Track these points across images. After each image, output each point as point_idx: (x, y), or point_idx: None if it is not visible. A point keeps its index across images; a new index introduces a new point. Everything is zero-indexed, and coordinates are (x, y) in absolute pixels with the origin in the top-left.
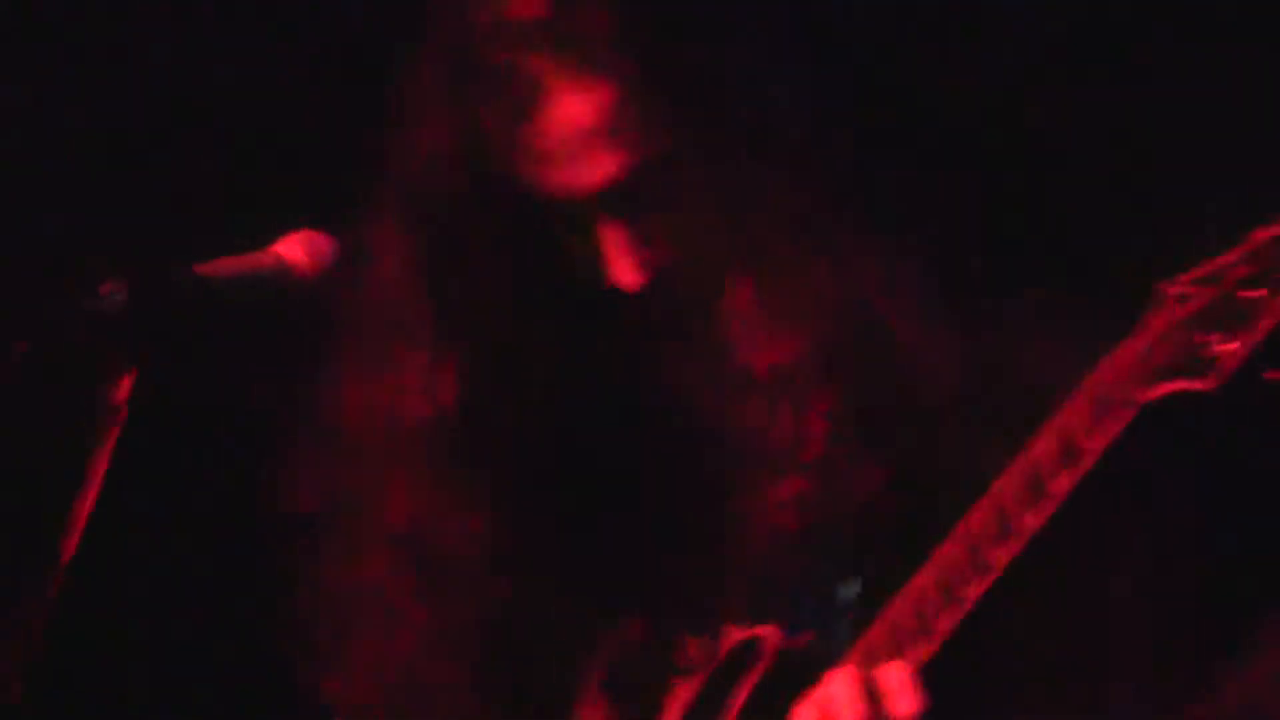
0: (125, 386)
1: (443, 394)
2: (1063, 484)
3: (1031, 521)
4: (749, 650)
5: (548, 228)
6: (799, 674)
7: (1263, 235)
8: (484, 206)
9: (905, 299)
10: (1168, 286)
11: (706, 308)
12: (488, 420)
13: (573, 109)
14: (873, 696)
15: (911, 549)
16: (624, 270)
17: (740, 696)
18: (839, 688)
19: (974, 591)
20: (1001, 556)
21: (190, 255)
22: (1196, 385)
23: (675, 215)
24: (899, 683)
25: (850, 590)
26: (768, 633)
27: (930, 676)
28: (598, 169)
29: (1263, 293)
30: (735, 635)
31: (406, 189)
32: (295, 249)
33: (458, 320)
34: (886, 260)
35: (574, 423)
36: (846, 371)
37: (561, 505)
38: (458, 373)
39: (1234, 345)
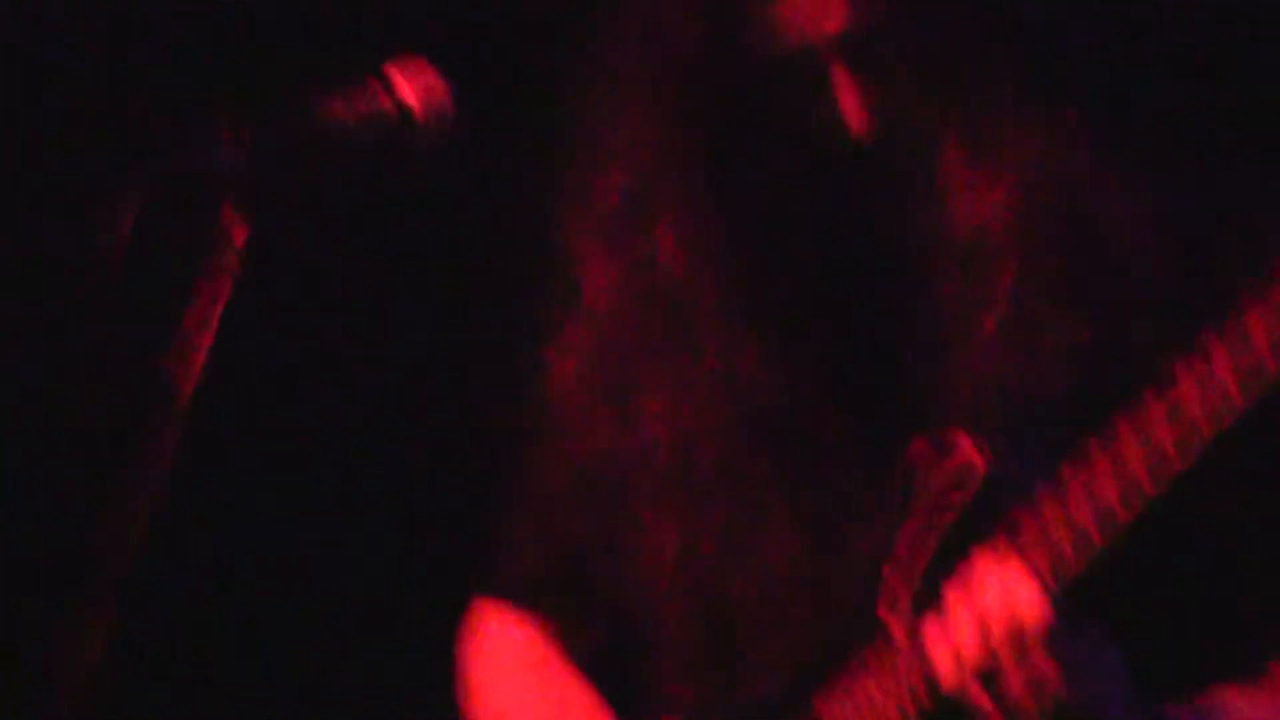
0: (241, 234)
1: (693, 258)
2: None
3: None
4: (955, 478)
5: (781, 79)
6: (995, 508)
7: None
8: (720, 61)
9: (1117, 184)
10: None
11: (918, 170)
12: (737, 274)
13: None
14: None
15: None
16: (851, 114)
17: (945, 522)
18: (988, 574)
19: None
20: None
21: (299, 98)
22: None
23: (900, 71)
24: (1027, 592)
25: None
26: (979, 454)
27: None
28: (834, 16)
29: None
30: (939, 465)
31: (639, 50)
32: (410, 90)
33: (699, 183)
34: (1104, 145)
35: (801, 276)
36: (1045, 243)
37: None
38: (702, 234)
39: None
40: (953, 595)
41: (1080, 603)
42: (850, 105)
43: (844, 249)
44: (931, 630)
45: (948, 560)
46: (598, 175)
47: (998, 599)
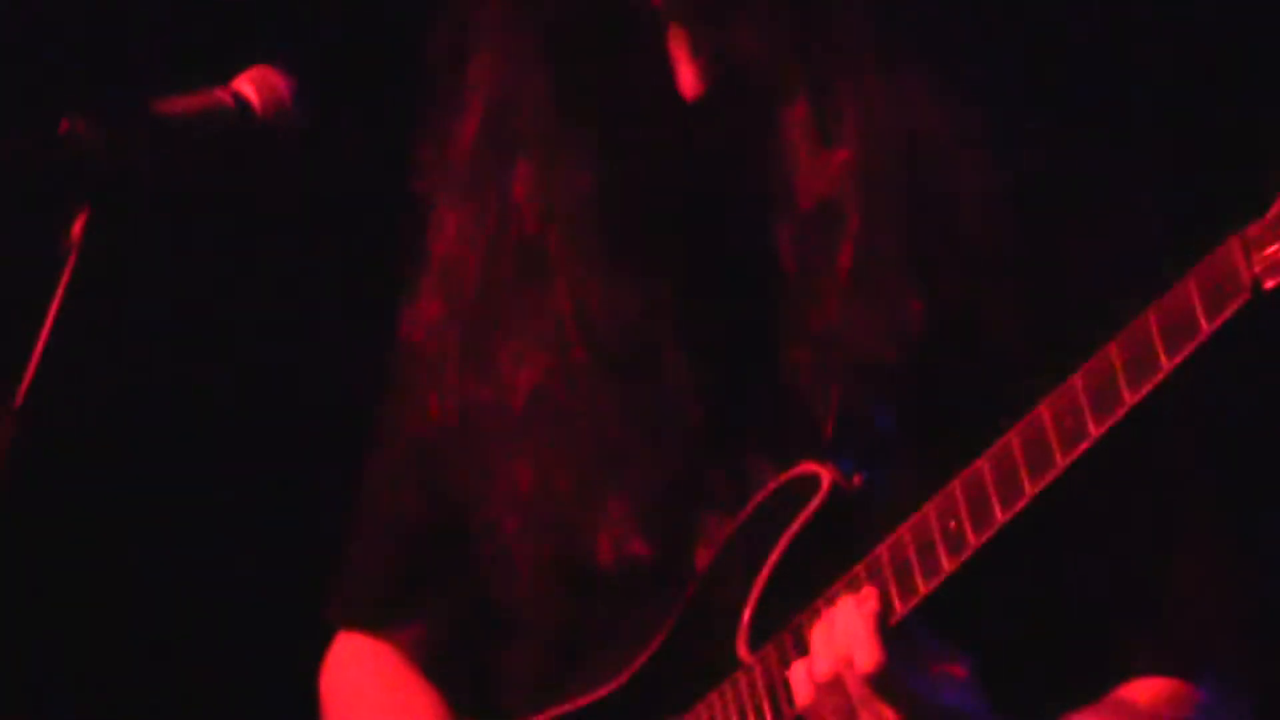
0: (79, 225)
1: (544, 198)
2: (1162, 370)
3: (1096, 430)
4: (800, 488)
5: (626, 36)
6: (849, 517)
7: None
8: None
9: (970, 146)
10: None
11: (760, 130)
12: (587, 215)
13: None
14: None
15: (957, 399)
16: (686, 77)
17: (788, 535)
18: (843, 624)
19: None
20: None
21: (146, 92)
22: None
23: (738, 30)
24: (865, 633)
25: (890, 425)
26: (822, 470)
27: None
28: None
29: None
30: (784, 472)
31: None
32: (250, 87)
33: (553, 124)
34: (954, 108)
35: (651, 217)
36: (893, 206)
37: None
38: (554, 174)
39: None
40: (815, 637)
41: (936, 624)
42: (685, 66)
43: (692, 197)
44: (794, 669)
45: (804, 582)
46: (454, 119)
47: (845, 639)
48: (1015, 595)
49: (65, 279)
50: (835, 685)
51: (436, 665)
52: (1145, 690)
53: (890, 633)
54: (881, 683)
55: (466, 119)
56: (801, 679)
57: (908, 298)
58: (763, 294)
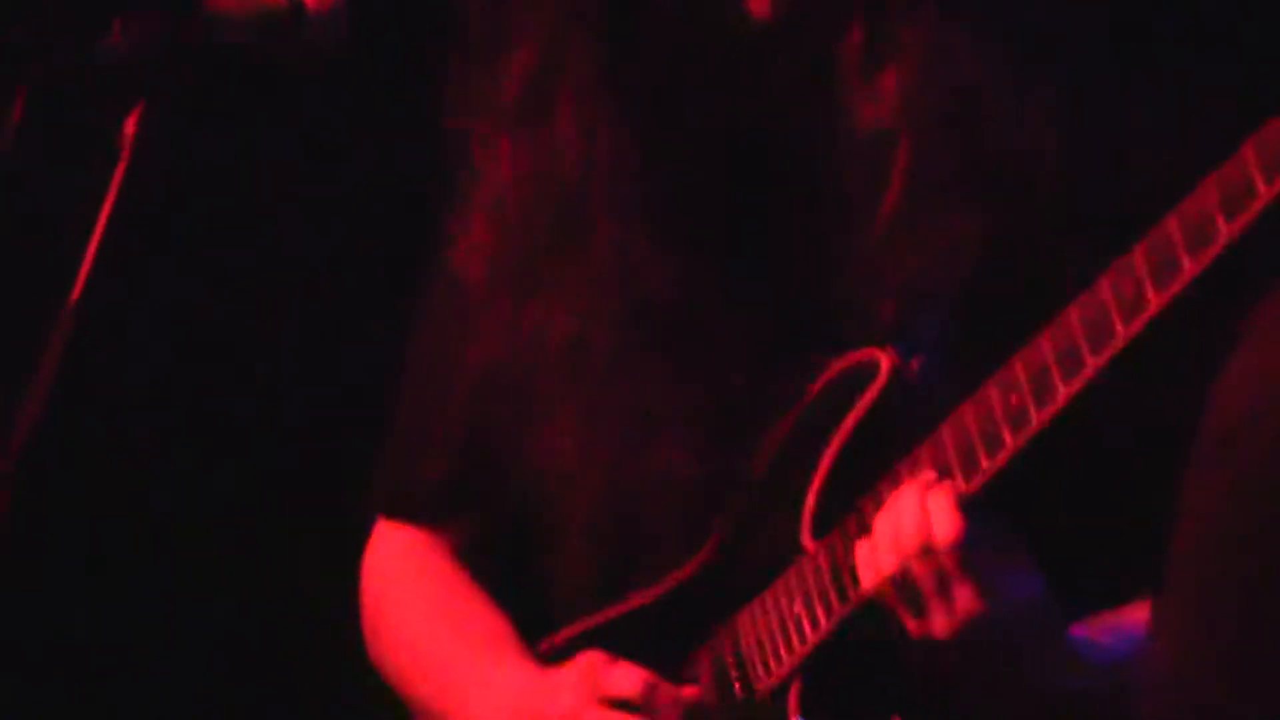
0: (131, 123)
1: (599, 149)
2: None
3: (1157, 298)
4: (859, 373)
5: None
6: (908, 402)
7: None
8: None
9: (1015, 78)
10: None
11: (820, 55)
12: (633, 163)
13: None
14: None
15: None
16: None
17: (851, 419)
18: (909, 502)
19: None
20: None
21: None
22: None
23: None
24: (943, 503)
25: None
26: (881, 354)
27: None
28: None
29: None
30: (845, 359)
31: None
32: None
33: (600, 67)
34: (1007, 38)
35: (699, 164)
36: (939, 132)
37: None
38: (612, 127)
39: None
40: (878, 519)
41: (1001, 511)
42: None
43: (743, 135)
44: (860, 550)
45: (865, 469)
46: (500, 63)
47: (914, 515)
48: (1072, 484)
49: (119, 175)
50: (905, 566)
51: (485, 565)
52: None
53: (964, 508)
54: (960, 555)
55: (515, 59)
56: (868, 559)
57: (960, 220)
58: (814, 222)
